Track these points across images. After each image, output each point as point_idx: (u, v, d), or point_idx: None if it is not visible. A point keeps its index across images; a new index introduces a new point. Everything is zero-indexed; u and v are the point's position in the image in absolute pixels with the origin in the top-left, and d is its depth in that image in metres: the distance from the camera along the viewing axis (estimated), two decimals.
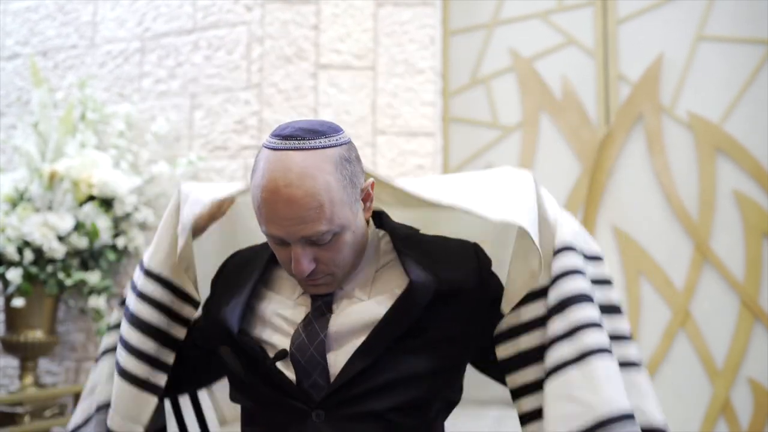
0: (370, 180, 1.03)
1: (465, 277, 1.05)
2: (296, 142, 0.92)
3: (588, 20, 2.51)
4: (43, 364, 2.76)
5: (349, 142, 0.99)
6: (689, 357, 2.26)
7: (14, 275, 2.35)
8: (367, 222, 1.07)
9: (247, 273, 1.13)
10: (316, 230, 0.91)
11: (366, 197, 1.02)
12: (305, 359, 0.98)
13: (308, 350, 0.99)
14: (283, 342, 1.03)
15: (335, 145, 0.94)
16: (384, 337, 0.98)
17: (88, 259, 2.54)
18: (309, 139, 0.92)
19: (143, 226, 2.67)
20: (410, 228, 1.13)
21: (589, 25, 2.50)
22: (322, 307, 1.03)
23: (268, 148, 0.94)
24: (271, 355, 1.01)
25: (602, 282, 1.08)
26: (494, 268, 1.11)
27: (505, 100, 2.58)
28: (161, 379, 1.14)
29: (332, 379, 0.98)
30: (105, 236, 2.50)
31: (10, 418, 2.37)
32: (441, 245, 1.10)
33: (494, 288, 1.09)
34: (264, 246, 1.15)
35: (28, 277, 2.40)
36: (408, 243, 1.08)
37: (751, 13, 2.31)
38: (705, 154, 2.31)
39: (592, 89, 2.47)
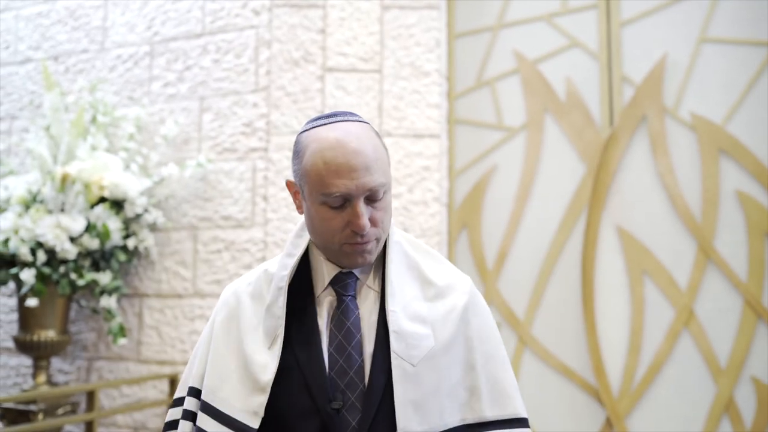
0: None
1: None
2: (341, 117, 1.03)
3: (592, 22, 2.53)
4: (56, 363, 2.81)
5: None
6: (693, 356, 2.28)
7: (28, 276, 2.40)
8: None
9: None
10: (380, 181, 1.00)
11: None
12: (343, 358, 1.03)
13: (346, 350, 1.04)
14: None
15: (369, 124, 1.06)
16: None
17: (99, 259, 2.59)
18: (350, 116, 1.04)
19: (153, 228, 2.71)
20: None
21: (592, 28, 2.52)
22: (349, 304, 1.07)
23: (315, 127, 1.03)
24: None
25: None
26: None
27: (510, 102, 2.61)
28: None
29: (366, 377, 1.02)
30: (116, 237, 2.54)
31: (24, 416, 2.41)
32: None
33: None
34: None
35: (41, 277, 2.44)
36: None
37: (754, 16, 2.32)
38: (708, 154, 2.33)
39: (596, 91, 2.49)
